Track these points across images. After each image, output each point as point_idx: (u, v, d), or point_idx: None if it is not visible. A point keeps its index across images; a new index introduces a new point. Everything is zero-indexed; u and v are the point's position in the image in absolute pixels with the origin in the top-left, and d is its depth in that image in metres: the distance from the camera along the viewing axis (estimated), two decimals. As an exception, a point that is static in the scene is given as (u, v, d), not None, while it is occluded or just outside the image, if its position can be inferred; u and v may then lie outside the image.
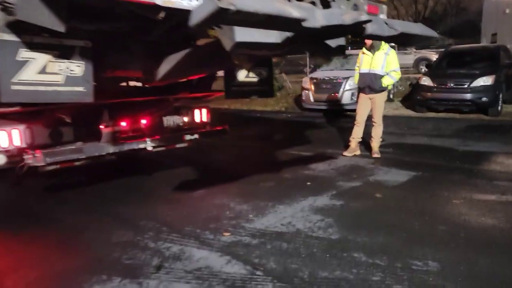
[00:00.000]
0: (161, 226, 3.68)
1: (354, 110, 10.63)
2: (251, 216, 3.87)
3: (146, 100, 4.69)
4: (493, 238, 3.27)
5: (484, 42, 16.16)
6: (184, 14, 2.04)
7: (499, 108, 9.50)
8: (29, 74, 2.91)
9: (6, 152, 3.92)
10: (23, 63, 2.88)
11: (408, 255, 3.00)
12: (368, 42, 5.72)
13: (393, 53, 5.87)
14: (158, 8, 2.07)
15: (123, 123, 4.54)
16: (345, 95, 10.83)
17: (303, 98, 11.85)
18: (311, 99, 11.49)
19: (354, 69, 10.68)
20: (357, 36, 3.04)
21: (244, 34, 2.09)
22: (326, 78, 11.35)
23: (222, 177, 5.15)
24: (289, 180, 5.05)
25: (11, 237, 3.61)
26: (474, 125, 8.71)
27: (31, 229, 3.76)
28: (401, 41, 2.97)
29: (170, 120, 4.99)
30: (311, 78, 11.72)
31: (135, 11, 2.54)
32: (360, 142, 6.23)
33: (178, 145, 4.91)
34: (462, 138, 7.34)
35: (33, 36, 2.88)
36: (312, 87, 11.48)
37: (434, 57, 16.47)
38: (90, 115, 4.33)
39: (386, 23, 2.46)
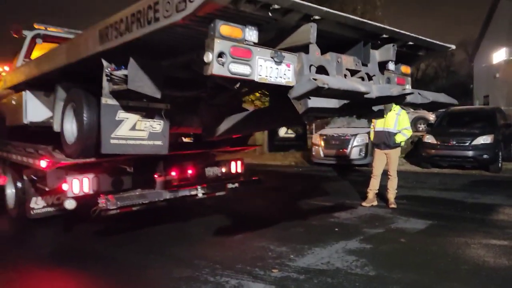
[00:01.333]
0: (214, 264, 4.12)
1: (363, 165, 11.53)
2: (292, 256, 4.33)
3: (193, 153, 5.31)
4: (511, 276, 3.74)
5: (477, 104, 17.21)
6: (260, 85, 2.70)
7: (500, 165, 10.16)
8: (123, 130, 3.57)
9: (76, 198, 4.47)
10: (120, 122, 3.55)
11: (439, 288, 3.46)
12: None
13: (403, 113, 6.60)
14: (247, 82, 2.71)
15: (173, 173, 5.13)
16: (354, 151, 11.52)
17: (313, 153, 12.52)
18: (321, 154, 12.17)
19: (360, 127, 11.72)
20: (398, 103, 3.71)
21: (315, 102, 2.73)
22: (335, 135, 12.11)
23: (255, 223, 5.62)
24: (317, 227, 5.53)
25: (77, 275, 4.03)
26: (478, 180, 9.32)
27: (94, 269, 4.16)
28: (429, 107, 3.62)
29: (210, 171, 5.59)
30: (321, 135, 12.48)
31: (218, 82, 3.23)
32: (376, 194, 6.78)
33: (217, 193, 5.46)
34: (468, 191, 7.91)
35: (128, 101, 3.56)
36: (322, 143, 12.20)
37: (430, 116, 17.38)
38: (147, 166, 4.92)
39: (420, 94, 3.13)
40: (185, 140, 6.18)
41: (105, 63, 3.43)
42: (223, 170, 5.75)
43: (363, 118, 4.01)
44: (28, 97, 5.19)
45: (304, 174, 11.57)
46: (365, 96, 2.65)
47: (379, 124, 6.60)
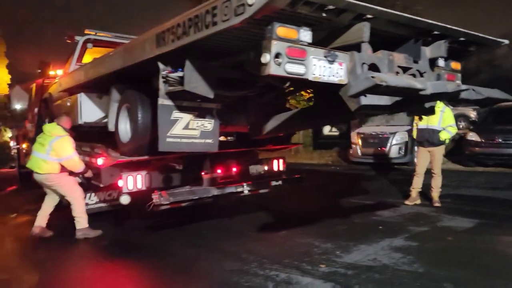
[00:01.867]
0: (262, 258, 4.26)
1: (402, 164, 11.35)
2: (338, 252, 4.39)
3: (238, 151, 5.47)
4: None
5: (525, 99, 16.37)
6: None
7: (549, 163, 9.73)
8: (178, 129, 3.77)
9: (130, 193, 4.72)
10: (175, 121, 3.75)
11: (491, 285, 3.42)
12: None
13: (448, 110, 6.48)
14: (301, 81, 2.81)
15: (219, 170, 5.31)
16: (393, 149, 11.35)
17: (351, 152, 12.43)
18: (359, 153, 12.07)
19: (399, 125, 11.54)
20: (452, 100, 3.72)
21: (367, 99, 2.79)
22: (373, 133, 11.98)
23: (297, 221, 5.72)
24: (360, 224, 5.56)
25: (136, 266, 4.28)
26: (526, 179, 8.97)
27: (151, 260, 4.40)
28: (483, 103, 3.58)
29: (254, 169, 5.74)
30: (358, 133, 12.36)
31: (269, 82, 3.35)
32: (419, 192, 6.70)
33: (261, 191, 5.59)
34: (516, 190, 7.65)
35: (182, 101, 3.76)
36: (360, 141, 12.10)
37: (471, 114, 16.79)
38: (195, 163, 5.12)
39: (474, 90, 3.12)
40: (227, 139, 6.36)
41: (161, 65, 3.61)
42: (266, 168, 5.89)
43: (414, 115, 4.02)
44: (83, 99, 5.51)
45: (343, 173, 11.53)
46: (420, 93, 2.69)
47: (422, 122, 6.52)
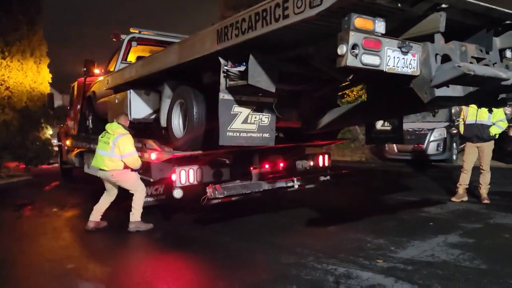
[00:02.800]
0: (316, 252, 4.26)
1: (440, 161, 11.10)
2: (393, 248, 4.35)
3: (287, 147, 5.49)
4: None
5: None
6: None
7: None
8: (237, 124, 3.82)
9: (183, 187, 4.80)
10: (234, 115, 3.79)
11: None
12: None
13: (497, 105, 6.29)
14: (375, 72, 2.75)
15: (267, 166, 5.34)
16: (431, 146, 11.12)
17: (386, 148, 12.26)
18: (395, 149, 11.88)
19: (437, 121, 11.29)
20: None
21: (441, 90, 2.75)
22: (410, 129, 11.72)
23: (344, 216, 5.70)
24: (409, 221, 5.48)
25: (190, 259, 4.37)
26: None
27: (204, 254, 4.47)
28: None
29: (300, 164, 5.74)
30: (394, 130, 12.17)
31: (335, 75, 3.34)
32: (466, 189, 6.55)
33: (307, 186, 5.58)
34: None
35: (241, 95, 3.80)
36: (396, 138, 11.89)
37: (507, 110, 16.20)
38: (244, 158, 5.17)
39: None
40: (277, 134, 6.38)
41: (222, 60, 3.64)
42: (312, 163, 5.89)
43: (485, 107, 3.92)
44: (132, 96, 5.63)
45: (379, 170, 11.39)
46: (504, 83, 2.64)
47: (470, 117, 6.37)
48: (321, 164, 5.96)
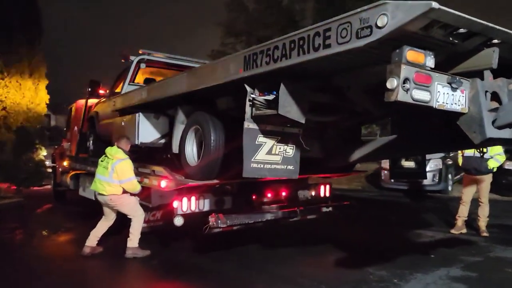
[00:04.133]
0: (319, 284, 4.19)
1: (436, 191, 11.13)
2: (396, 281, 4.29)
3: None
4: None
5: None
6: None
7: None
8: (261, 155, 3.61)
9: (184, 215, 4.68)
10: (259, 146, 3.59)
11: None
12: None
13: (494, 138, 6.38)
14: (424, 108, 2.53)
15: (269, 194, 5.30)
16: (427, 176, 11.16)
17: (382, 177, 12.29)
18: (391, 179, 11.90)
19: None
20: None
21: (493, 131, 2.60)
22: (406, 159, 11.83)
23: (345, 247, 5.63)
24: (410, 252, 5.43)
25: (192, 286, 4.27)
26: None
27: (201, 282, 4.39)
28: None
29: (302, 194, 5.71)
30: (390, 159, 12.24)
31: (367, 107, 3.27)
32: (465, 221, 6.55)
33: (309, 216, 5.52)
34: None
35: (266, 125, 3.61)
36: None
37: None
38: (247, 187, 5.12)
39: None
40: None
41: (248, 88, 3.47)
42: (313, 193, 5.86)
43: None
44: (141, 119, 5.46)
45: (378, 200, 11.36)
46: None
47: (469, 150, 6.44)
48: (322, 194, 5.92)
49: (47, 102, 13.80)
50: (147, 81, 6.86)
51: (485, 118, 2.64)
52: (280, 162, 3.73)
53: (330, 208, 5.41)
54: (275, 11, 14.34)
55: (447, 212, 7.99)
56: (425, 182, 11.13)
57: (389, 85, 2.35)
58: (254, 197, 5.10)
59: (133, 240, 5.14)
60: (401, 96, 2.34)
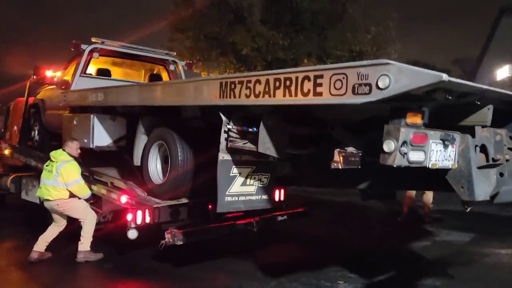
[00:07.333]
0: (279, 277, 4.23)
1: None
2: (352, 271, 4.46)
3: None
4: None
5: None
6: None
7: None
8: (236, 186, 3.37)
9: (137, 228, 4.37)
10: (233, 177, 3.33)
11: None
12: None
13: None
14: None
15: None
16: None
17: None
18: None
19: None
20: None
21: (481, 195, 2.50)
22: (353, 152, 12.24)
23: (306, 244, 5.73)
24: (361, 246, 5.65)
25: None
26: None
27: (160, 283, 4.30)
28: None
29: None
30: (339, 152, 12.60)
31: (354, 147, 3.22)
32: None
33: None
34: (501, 206, 8.01)
35: (241, 155, 3.34)
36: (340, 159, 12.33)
37: None
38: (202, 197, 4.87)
39: None
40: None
41: (224, 118, 3.22)
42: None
43: None
44: (95, 122, 5.03)
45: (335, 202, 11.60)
46: None
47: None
48: (276, 198, 5.79)
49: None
50: (100, 72, 6.38)
51: (474, 174, 2.53)
52: (254, 193, 3.53)
53: (285, 217, 5.27)
54: (222, 7, 14.10)
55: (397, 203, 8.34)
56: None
57: (386, 147, 2.20)
58: (210, 207, 4.87)
59: (84, 244, 4.89)
60: (398, 161, 2.19)
